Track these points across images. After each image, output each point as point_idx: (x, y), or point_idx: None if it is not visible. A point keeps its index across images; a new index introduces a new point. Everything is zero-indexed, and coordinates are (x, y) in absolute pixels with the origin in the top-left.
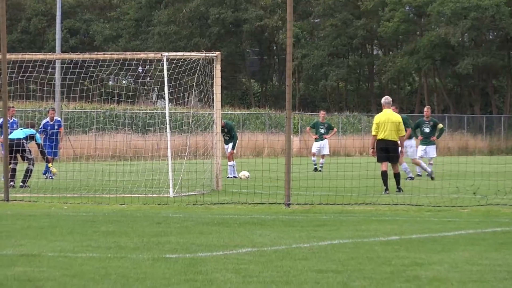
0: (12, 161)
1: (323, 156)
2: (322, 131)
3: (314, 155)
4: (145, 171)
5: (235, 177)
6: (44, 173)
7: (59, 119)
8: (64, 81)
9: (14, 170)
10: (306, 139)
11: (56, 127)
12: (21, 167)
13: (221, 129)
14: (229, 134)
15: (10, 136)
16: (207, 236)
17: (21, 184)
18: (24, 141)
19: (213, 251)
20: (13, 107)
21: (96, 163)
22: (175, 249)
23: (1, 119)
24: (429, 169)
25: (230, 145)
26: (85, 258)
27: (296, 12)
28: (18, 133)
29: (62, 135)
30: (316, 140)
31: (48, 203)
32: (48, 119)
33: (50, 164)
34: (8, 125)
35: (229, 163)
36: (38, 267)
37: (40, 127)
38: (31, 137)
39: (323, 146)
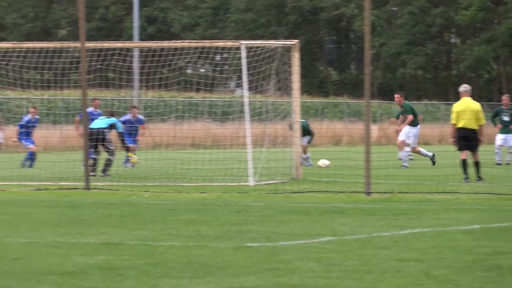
0: (93, 151)
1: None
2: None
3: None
4: (224, 160)
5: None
6: (125, 162)
7: (141, 117)
8: (142, 70)
9: (95, 159)
10: (385, 128)
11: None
12: (102, 156)
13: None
14: (305, 132)
15: (91, 126)
16: (288, 224)
17: (101, 174)
18: (105, 130)
19: (294, 240)
20: (97, 98)
21: (175, 151)
22: (256, 237)
23: (89, 109)
24: (430, 154)
25: (306, 138)
26: (167, 247)
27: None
28: (100, 123)
29: (143, 131)
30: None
31: (128, 192)
32: (130, 115)
33: (130, 153)
34: (92, 116)
35: (303, 155)
36: (119, 255)
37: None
38: (112, 126)
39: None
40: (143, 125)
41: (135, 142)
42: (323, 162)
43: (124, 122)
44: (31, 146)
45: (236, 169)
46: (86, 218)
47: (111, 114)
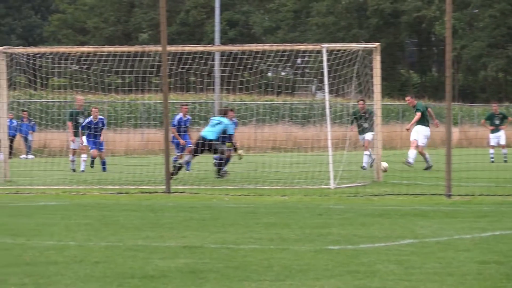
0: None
1: (502, 146)
2: (497, 122)
3: (492, 147)
4: (305, 163)
5: (363, 167)
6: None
7: (236, 120)
8: (223, 73)
9: (188, 163)
10: (466, 130)
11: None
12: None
13: (362, 115)
14: (370, 121)
15: (203, 134)
16: (369, 227)
17: (217, 175)
18: (214, 142)
19: (375, 242)
20: (186, 104)
21: (256, 154)
22: (337, 240)
23: (179, 115)
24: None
25: (369, 134)
26: (248, 250)
27: (454, 2)
28: (210, 134)
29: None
30: (492, 131)
31: (209, 195)
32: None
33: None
34: (182, 123)
35: (366, 152)
36: (200, 258)
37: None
38: (224, 131)
39: (500, 136)
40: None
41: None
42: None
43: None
44: (92, 150)
45: (317, 172)
46: (167, 221)
47: (225, 113)
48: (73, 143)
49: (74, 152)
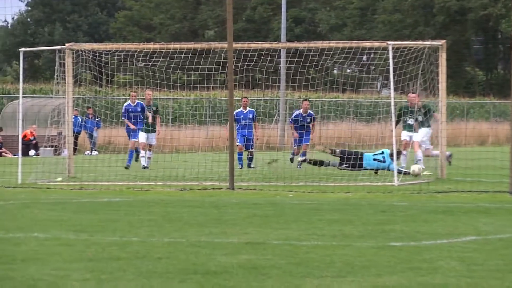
0: None
1: None
2: None
3: None
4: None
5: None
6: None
7: (312, 112)
8: (289, 70)
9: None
10: None
11: (308, 120)
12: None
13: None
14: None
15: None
16: (432, 224)
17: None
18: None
19: (438, 239)
20: (246, 97)
21: (320, 151)
22: (399, 237)
23: (239, 110)
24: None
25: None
26: (310, 246)
27: None
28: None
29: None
30: None
31: (273, 192)
32: (301, 110)
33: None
34: (242, 117)
35: (404, 152)
36: (263, 255)
37: (291, 118)
38: None
39: None
40: (314, 121)
41: (308, 139)
42: (419, 168)
43: (296, 117)
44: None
45: (381, 169)
46: (230, 218)
47: None
48: (145, 135)
49: (144, 146)
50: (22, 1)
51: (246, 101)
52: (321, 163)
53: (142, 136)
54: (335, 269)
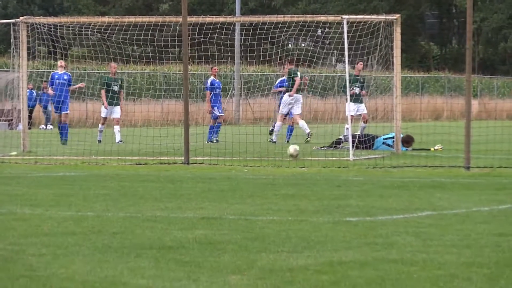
0: None
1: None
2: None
3: None
4: (324, 134)
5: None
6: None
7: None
8: (244, 44)
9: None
10: (486, 102)
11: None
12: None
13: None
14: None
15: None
16: (387, 199)
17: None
18: None
19: (393, 214)
20: (215, 66)
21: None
22: (355, 212)
23: (210, 78)
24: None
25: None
26: (266, 221)
27: None
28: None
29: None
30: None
31: (228, 166)
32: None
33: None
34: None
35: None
36: (219, 230)
37: (276, 84)
38: None
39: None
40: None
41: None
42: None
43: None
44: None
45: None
46: (185, 192)
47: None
48: (106, 110)
49: (104, 121)
50: None
51: (216, 70)
52: (337, 142)
53: (104, 111)
54: (291, 244)
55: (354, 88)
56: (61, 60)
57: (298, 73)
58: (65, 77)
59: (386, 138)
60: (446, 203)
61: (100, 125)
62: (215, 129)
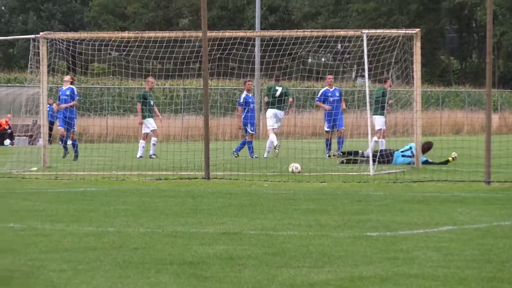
0: None
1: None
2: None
3: None
4: (346, 149)
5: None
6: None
7: (338, 88)
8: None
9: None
10: (506, 117)
11: (337, 94)
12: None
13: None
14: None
15: None
16: (408, 214)
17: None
18: None
19: (414, 229)
20: (249, 81)
21: (296, 140)
22: (375, 227)
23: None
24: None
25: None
26: (286, 236)
27: None
28: None
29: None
30: None
31: (248, 181)
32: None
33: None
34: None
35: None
36: (239, 245)
37: (318, 96)
38: None
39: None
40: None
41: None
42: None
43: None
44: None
45: (359, 158)
46: (205, 207)
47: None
48: (148, 125)
49: (146, 136)
50: None
51: (250, 84)
52: (355, 158)
53: (146, 126)
54: (311, 259)
55: (387, 102)
56: (67, 76)
57: (278, 89)
58: (68, 92)
59: (404, 151)
60: (466, 218)
61: (141, 141)
62: (241, 145)
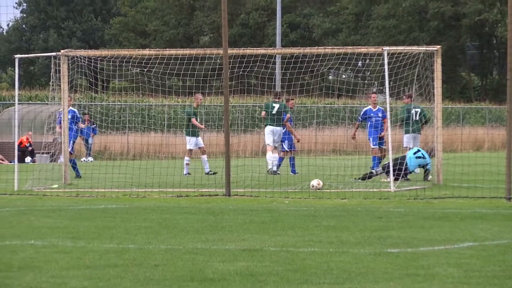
0: None
1: None
2: None
3: None
4: (366, 165)
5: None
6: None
7: (382, 108)
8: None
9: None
10: None
11: (380, 115)
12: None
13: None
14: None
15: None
16: (429, 230)
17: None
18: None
19: (435, 245)
20: (292, 99)
21: (316, 157)
22: (396, 243)
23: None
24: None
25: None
26: (307, 253)
27: None
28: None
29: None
30: None
31: (269, 198)
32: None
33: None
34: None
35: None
36: (260, 261)
37: (360, 115)
38: None
39: None
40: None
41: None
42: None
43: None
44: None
45: (379, 175)
46: (226, 224)
47: None
48: (193, 142)
49: (191, 153)
50: (17, 8)
51: (293, 103)
52: (369, 176)
53: (191, 143)
54: (332, 276)
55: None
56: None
57: (275, 106)
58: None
59: (415, 153)
60: (487, 234)
61: (186, 158)
62: (278, 162)
